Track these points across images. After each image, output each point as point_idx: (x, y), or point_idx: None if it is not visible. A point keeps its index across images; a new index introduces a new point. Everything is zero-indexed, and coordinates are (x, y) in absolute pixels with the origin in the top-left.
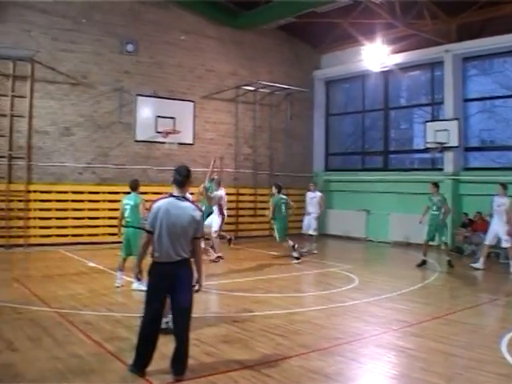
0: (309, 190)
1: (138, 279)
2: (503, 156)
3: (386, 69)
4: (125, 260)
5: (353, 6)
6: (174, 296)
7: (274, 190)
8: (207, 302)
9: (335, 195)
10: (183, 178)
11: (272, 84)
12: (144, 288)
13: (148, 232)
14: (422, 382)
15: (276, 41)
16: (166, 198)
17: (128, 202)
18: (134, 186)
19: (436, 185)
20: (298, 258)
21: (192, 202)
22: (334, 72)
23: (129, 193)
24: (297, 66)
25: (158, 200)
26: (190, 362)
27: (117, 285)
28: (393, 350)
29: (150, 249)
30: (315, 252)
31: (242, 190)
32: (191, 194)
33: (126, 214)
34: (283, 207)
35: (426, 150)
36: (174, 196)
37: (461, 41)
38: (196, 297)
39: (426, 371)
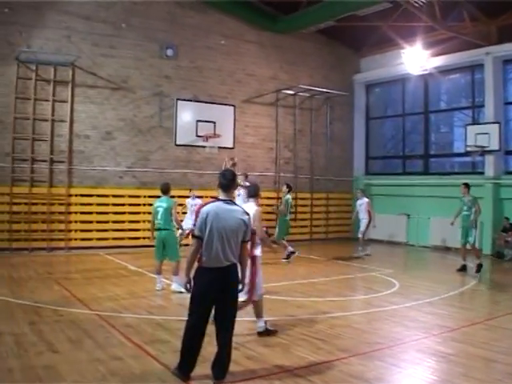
0: (357, 198)
1: (188, 289)
2: None
3: (426, 72)
4: (161, 262)
5: (392, 9)
6: (222, 302)
7: (286, 189)
8: (247, 308)
9: (375, 199)
10: (229, 182)
11: (312, 88)
12: (183, 290)
13: (196, 238)
14: None
15: (316, 44)
16: (213, 202)
17: (160, 204)
18: (166, 190)
19: (467, 185)
20: (288, 257)
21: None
22: (374, 75)
23: (159, 196)
24: (337, 70)
25: (205, 205)
26: (231, 365)
27: (157, 288)
28: (433, 356)
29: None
30: (358, 256)
31: (282, 194)
32: (199, 197)
33: (158, 216)
34: (289, 207)
35: (467, 154)
36: (221, 200)
37: (501, 43)
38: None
39: (466, 377)
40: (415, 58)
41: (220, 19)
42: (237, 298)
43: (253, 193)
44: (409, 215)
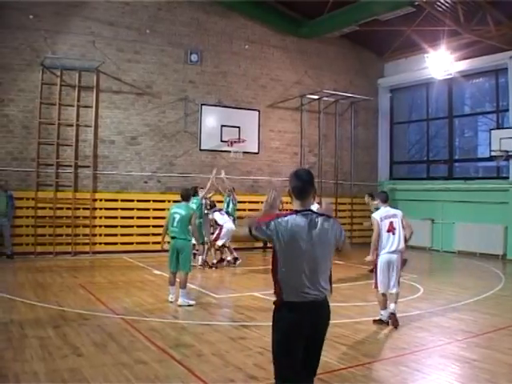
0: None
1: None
2: None
3: (450, 76)
4: (174, 273)
5: (415, 14)
6: (309, 353)
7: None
8: (269, 310)
9: (400, 204)
10: (305, 184)
11: (336, 92)
12: (192, 302)
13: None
14: None
15: (340, 49)
16: (288, 215)
17: (178, 211)
18: (186, 196)
19: None
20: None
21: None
22: (398, 80)
23: (178, 201)
24: (361, 75)
25: (277, 217)
26: (256, 369)
27: (169, 300)
28: (457, 361)
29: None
30: None
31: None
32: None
33: (174, 224)
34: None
35: (491, 159)
36: (299, 212)
37: None
38: (262, 306)
39: (491, 383)
40: (439, 63)
41: (244, 24)
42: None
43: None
44: (433, 220)
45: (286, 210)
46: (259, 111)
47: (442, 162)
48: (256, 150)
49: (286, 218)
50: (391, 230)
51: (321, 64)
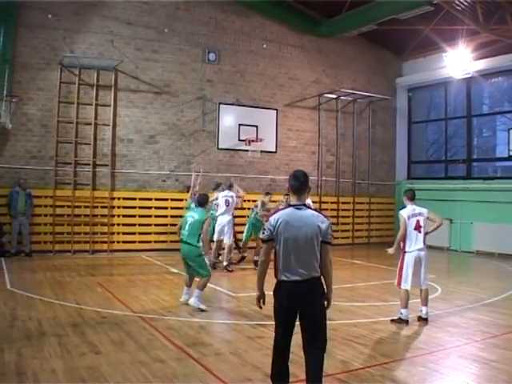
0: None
1: (260, 306)
2: None
3: (469, 75)
4: (189, 277)
5: (434, 13)
6: (305, 322)
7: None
8: None
9: (418, 204)
10: (301, 184)
11: (354, 92)
12: (202, 307)
13: (266, 241)
14: None
15: (358, 48)
16: (284, 209)
17: (192, 214)
18: (202, 202)
19: None
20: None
21: (316, 210)
22: (417, 79)
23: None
24: (379, 74)
25: (275, 212)
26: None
27: (181, 300)
28: (475, 362)
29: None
30: None
31: (324, 198)
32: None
33: (186, 227)
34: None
35: (510, 158)
36: (292, 205)
37: None
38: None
39: None
40: (457, 62)
41: (262, 23)
42: (322, 309)
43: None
44: (451, 220)
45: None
46: (277, 110)
47: (460, 162)
48: (274, 149)
49: (281, 212)
50: (418, 228)
51: (339, 63)
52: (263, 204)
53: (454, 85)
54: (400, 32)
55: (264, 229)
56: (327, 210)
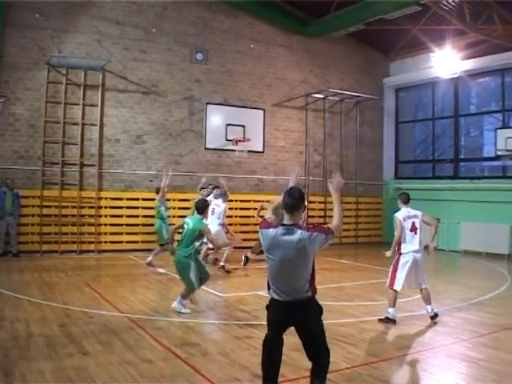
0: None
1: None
2: None
3: (456, 75)
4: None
5: (422, 13)
6: (302, 335)
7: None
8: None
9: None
10: (295, 201)
11: (341, 92)
12: (184, 310)
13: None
14: None
15: (346, 48)
16: (275, 226)
17: (188, 221)
18: (200, 208)
19: None
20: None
21: (306, 226)
22: (404, 79)
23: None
24: (367, 74)
25: (266, 225)
26: (260, 368)
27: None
28: (463, 361)
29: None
30: None
31: (311, 198)
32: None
33: (182, 235)
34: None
35: (497, 158)
36: (283, 225)
37: None
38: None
39: (497, 383)
40: (445, 62)
41: (250, 23)
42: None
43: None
44: (439, 220)
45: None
46: (264, 110)
47: (447, 162)
48: (261, 149)
49: (269, 229)
50: (414, 229)
51: (326, 63)
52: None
53: (441, 85)
54: (388, 32)
55: None
56: (314, 209)
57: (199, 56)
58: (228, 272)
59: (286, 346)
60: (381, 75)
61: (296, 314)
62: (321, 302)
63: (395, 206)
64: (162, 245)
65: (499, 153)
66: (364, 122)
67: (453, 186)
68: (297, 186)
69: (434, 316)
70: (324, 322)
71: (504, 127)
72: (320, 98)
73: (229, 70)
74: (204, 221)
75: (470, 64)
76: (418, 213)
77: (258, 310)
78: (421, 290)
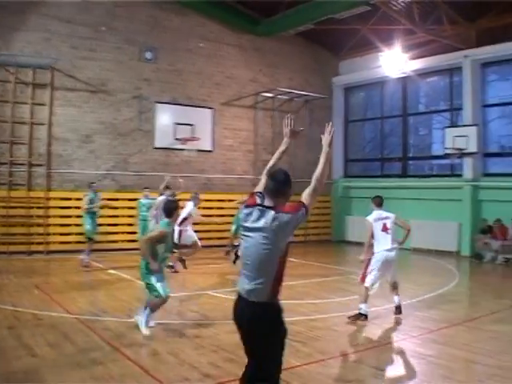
0: None
1: None
2: None
3: (405, 75)
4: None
5: (371, 13)
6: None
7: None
8: (227, 308)
9: (354, 202)
10: (277, 185)
11: (290, 90)
12: (144, 331)
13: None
14: None
15: (296, 47)
16: (253, 205)
17: (156, 227)
18: (168, 210)
19: None
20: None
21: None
22: (353, 78)
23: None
24: (316, 73)
25: (248, 203)
26: (210, 368)
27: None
28: (413, 357)
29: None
30: None
31: (239, 196)
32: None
33: None
34: None
35: (445, 156)
36: (260, 205)
37: (480, 46)
38: (217, 304)
39: (447, 378)
40: (394, 61)
41: (201, 22)
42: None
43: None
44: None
45: None
46: (213, 109)
47: (396, 160)
48: (210, 148)
49: (246, 210)
50: (385, 229)
51: (276, 62)
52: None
53: (390, 84)
54: (337, 31)
55: None
56: None
57: (148, 55)
58: (176, 272)
59: (235, 344)
60: (330, 74)
61: (245, 319)
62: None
63: (344, 204)
64: (90, 239)
65: (447, 151)
66: (313, 120)
67: (401, 184)
68: (282, 168)
69: (399, 308)
70: None
71: (452, 126)
72: (269, 97)
73: (178, 69)
74: (171, 225)
75: (419, 63)
76: (391, 215)
77: (207, 309)
78: (392, 282)
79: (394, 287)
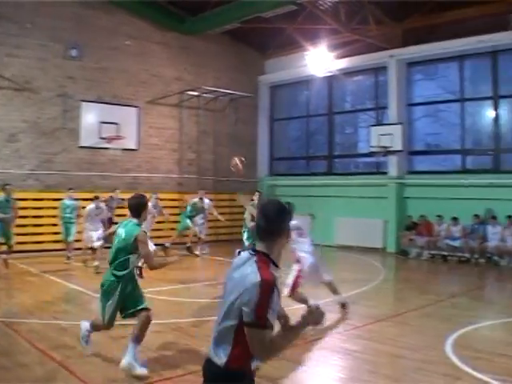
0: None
1: None
2: (448, 159)
3: (331, 74)
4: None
5: (298, 12)
6: None
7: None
8: (153, 308)
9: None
10: (267, 224)
11: (215, 89)
12: (139, 371)
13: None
14: None
15: (222, 46)
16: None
17: (120, 231)
18: (136, 208)
19: None
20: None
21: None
22: (279, 77)
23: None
24: (242, 72)
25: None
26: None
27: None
28: (339, 353)
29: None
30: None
31: (186, 196)
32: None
33: (113, 251)
34: None
35: (371, 154)
36: (252, 251)
37: (405, 46)
38: None
39: (373, 373)
40: (320, 60)
41: (127, 20)
42: None
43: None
44: (313, 215)
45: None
46: (139, 107)
47: (321, 158)
48: (135, 147)
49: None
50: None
51: (202, 61)
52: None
53: (316, 83)
54: (264, 30)
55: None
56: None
57: (74, 52)
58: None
59: (159, 347)
60: (256, 73)
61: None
62: (195, 300)
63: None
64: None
65: (373, 149)
66: (239, 119)
67: (327, 182)
68: (275, 200)
69: (345, 304)
70: (198, 319)
71: (377, 124)
72: (194, 96)
73: (104, 67)
74: (142, 226)
75: (345, 63)
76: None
77: None
78: (327, 283)
79: (332, 287)
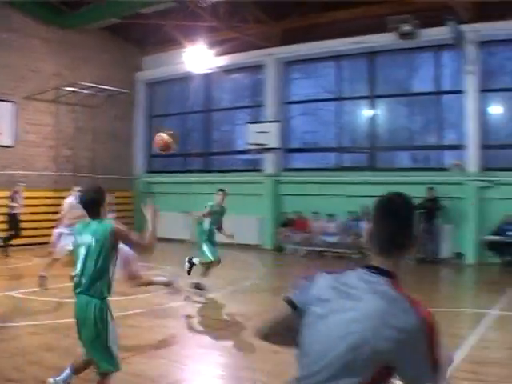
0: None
1: None
2: (326, 157)
3: (210, 71)
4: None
5: (178, 9)
6: None
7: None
8: (26, 309)
9: (157, 197)
10: (404, 230)
11: (91, 85)
12: None
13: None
14: (249, 381)
15: (102, 41)
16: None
17: (85, 239)
18: (93, 204)
19: None
20: None
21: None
22: (157, 74)
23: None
24: (120, 68)
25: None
26: (14, 372)
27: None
28: (217, 350)
29: None
30: None
31: (64, 194)
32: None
33: (79, 263)
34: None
35: (247, 152)
36: (368, 268)
37: (284, 45)
38: (18, 306)
39: (251, 369)
40: (198, 57)
41: (7, 13)
42: None
43: None
44: (190, 213)
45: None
46: (15, 103)
47: (198, 155)
48: (11, 144)
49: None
50: None
51: (80, 56)
52: None
53: (194, 80)
54: (143, 26)
55: None
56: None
57: None
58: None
59: (38, 346)
60: (134, 69)
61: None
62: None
63: (147, 200)
64: None
65: (249, 146)
66: (116, 116)
67: (204, 179)
68: (400, 193)
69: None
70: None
71: (254, 122)
72: (72, 92)
73: None
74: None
75: (224, 60)
76: None
77: (8, 311)
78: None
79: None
